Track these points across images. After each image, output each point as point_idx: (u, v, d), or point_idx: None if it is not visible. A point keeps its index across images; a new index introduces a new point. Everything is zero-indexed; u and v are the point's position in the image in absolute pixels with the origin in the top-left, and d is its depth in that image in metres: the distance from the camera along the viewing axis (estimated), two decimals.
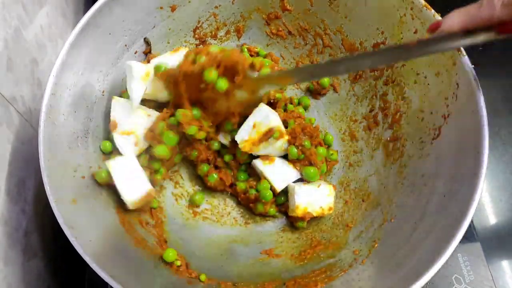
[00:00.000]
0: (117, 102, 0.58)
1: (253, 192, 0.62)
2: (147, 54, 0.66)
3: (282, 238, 0.62)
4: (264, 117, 0.59)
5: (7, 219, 0.49)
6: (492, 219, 0.72)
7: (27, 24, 0.58)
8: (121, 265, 0.47)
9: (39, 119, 0.49)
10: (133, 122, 0.58)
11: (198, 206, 0.64)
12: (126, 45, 0.62)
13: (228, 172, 0.64)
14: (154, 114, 0.60)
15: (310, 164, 0.61)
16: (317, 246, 0.59)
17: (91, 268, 0.43)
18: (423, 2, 0.55)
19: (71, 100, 0.54)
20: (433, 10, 0.54)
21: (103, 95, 0.60)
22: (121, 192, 0.54)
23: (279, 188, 0.61)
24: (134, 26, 0.61)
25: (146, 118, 0.59)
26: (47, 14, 0.66)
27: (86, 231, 0.47)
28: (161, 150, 0.58)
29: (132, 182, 0.55)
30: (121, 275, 0.44)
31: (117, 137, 0.58)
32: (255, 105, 0.60)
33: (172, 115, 0.59)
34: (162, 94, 0.61)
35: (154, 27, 0.64)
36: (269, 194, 0.60)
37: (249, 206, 0.63)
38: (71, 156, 0.53)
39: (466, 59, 0.51)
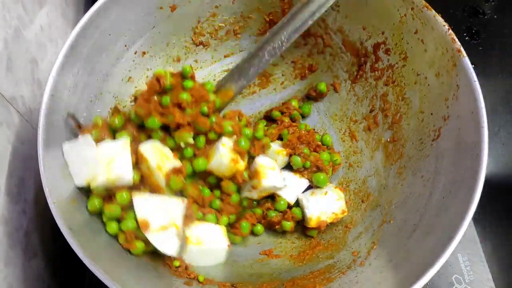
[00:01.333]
0: (140, 197, 0.50)
1: (273, 214, 0.59)
2: (79, 129, 0.54)
3: (282, 238, 0.62)
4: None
5: (8, 219, 0.50)
6: (491, 219, 0.72)
7: (27, 24, 0.58)
8: (120, 266, 0.47)
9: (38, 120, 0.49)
10: (168, 213, 0.50)
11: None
12: (126, 46, 0.62)
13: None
14: (184, 200, 0.53)
15: (318, 170, 0.61)
16: (316, 246, 0.59)
17: None
18: (424, 2, 0.55)
19: (70, 101, 0.54)
20: (433, 11, 0.54)
21: (102, 96, 0.60)
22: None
23: (292, 201, 0.60)
24: (133, 26, 0.61)
25: (181, 203, 0.52)
26: (47, 14, 0.66)
27: (85, 232, 0.47)
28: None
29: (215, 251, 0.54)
30: (120, 276, 0.44)
31: (153, 238, 0.48)
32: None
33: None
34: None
35: (153, 27, 0.64)
36: (298, 212, 0.59)
37: (275, 228, 0.60)
38: None
39: (466, 60, 0.51)
